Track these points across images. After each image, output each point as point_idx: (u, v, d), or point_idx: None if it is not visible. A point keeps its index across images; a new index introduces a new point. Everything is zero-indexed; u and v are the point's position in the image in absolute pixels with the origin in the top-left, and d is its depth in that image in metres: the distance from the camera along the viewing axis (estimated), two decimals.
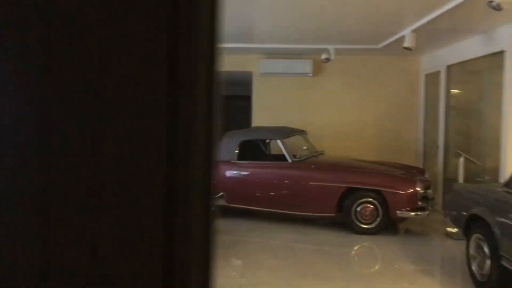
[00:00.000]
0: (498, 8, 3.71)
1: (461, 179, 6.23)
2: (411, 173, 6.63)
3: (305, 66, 8.42)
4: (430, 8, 5.13)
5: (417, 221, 6.97)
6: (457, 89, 7.63)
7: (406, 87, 8.75)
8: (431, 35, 6.58)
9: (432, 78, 8.23)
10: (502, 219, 3.83)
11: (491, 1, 3.72)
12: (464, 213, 4.50)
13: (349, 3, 5.16)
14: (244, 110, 9.99)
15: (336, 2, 5.16)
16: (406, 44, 6.01)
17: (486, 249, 4.07)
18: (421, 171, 7.02)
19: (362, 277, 4.72)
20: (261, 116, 8.79)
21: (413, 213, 6.01)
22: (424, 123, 8.60)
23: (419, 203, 6.05)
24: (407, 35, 5.96)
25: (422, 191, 6.04)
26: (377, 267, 5.11)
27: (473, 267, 4.31)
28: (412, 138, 8.76)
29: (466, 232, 4.51)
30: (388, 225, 6.32)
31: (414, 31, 5.89)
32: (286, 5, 5.32)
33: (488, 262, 4.03)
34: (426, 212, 6.03)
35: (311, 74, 8.54)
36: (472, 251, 4.36)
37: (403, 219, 6.23)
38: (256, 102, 8.89)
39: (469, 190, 4.75)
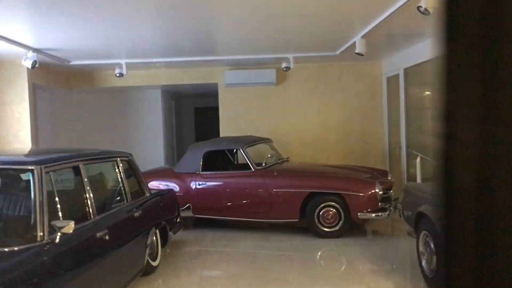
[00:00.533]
0: (426, 12, 3.87)
1: (419, 178, 6.38)
2: (372, 175, 6.75)
3: (269, 75, 8.56)
4: (375, 14, 5.30)
5: (384, 221, 7.10)
6: (416, 91, 7.83)
7: (369, 91, 8.93)
8: (386, 39, 6.77)
9: (393, 81, 8.43)
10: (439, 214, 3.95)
11: (420, 6, 3.88)
12: (414, 212, 4.63)
13: (302, 13, 5.29)
14: (216, 121, 10.07)
15: (288, 13, 5.29)
16: (357, 50, 6.17)
17: (432, 246, 4.19)
18: (384, 173, 7.15)
19: (323, 280, 4.79)
20: (229, 126, 8.90)
21: (373, 214, 6.12)
22: (388, 125, 8.78)
23: (380, 204, 6.16)
24: (357, 41, 6.12)
25: (381, 193, 6.16)
26: (337, 270, 5.19)
27: (423, 264, 4.42)
28: (377, 140, 8.93)
29: (416, 230, 4.63)
30: (356, 227, 6.44)
31: (364, 37, 6.06)
32: (244, 18, 5.46)
33: (434, 258, 4.15)
34: (387, 213, 6.15)
35: (275, 83, 8.67)
36: (421, 248, 4.48)
37: (365, 220, 6.34)
38: (223, 113, 8.99)
39: (417, 188, 4.88)
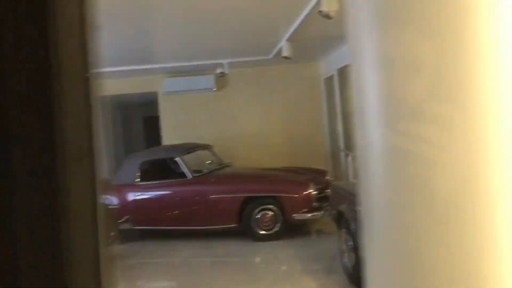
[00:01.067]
0: (328, 17, 3.96)
1: (351, 176, 6.51)
2: (309, 176, 6.84)
3: (208, 81, 8.56)
4: (293, 18, 5.38)
5: (326, 220, 7.20)
6: (351, 91, 8.00)
7: (308, 93, 9.06)
8: (314, 41, 6.89)
9: (329, 82, 8.59)
10: (356, 213, 4.05)
11: (321, 11, 3.97)
12: (336, 210, 4.72)
13: (229, 17, 5.31)
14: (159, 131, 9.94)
15: (214, 18, 5.31)
16: (284, 54, 6.25)
17: (350, 243, 4.28)
18: (323, 173, 7.25)
19: (251, 282, 4.81)
20: (171, 134, 8.83)
21: (309, 215, 6.20)
22: (328, 126, 8.93)
23: (314, 204, 6.25)
24: (283, 44, 6.20)
25: (315, 193, 6.24)
26: (267, 272, 5.22)
27: (344, 261, 4.51)
28: (318, 141, 9.06)
29: (338, 228, 4.73)
30: (299, 228, 6.50)
31: (289, 40, 6.15)
32: (178, 24, 5.44)
33: (353, 255, 4.24)
34: (321, 212, 6.23)
35: (215, 89, 8.68)
36: (342, 245, 4.57)
37: (301, 221, 6.41)
38: (165, 121, 8.92)
39: (339, 187, 4.98)
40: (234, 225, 6.41)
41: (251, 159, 8.86)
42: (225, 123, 8.95)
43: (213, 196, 6.46)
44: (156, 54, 7.50)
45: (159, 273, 5.45)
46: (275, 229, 6.31)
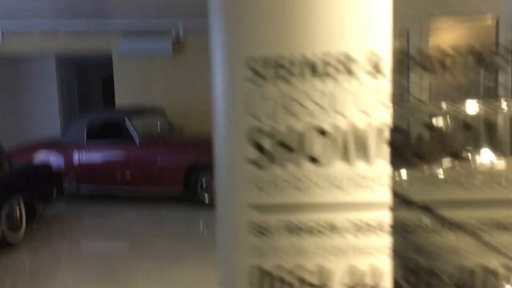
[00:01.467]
0: None
1: None
2: None
3: (164, 45, 8.37)
4: None
5: None
6: None
7: None
8: None
9: None
10: None
11: None
12: None
13: None
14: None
15: None
16: None
17: None
18: None
19: (193, 248, 4.87)
20: (125, 97, 8.66)
21: None
22: None
23: None
24: None
25: None
26: (201, 235, 5.30)
27: None
28: None
29: None
30: None
31: None
32: None
33: None
34: None
35: (171, 53, 8.51)
36: None
37: None
38: (119, 84, 8.73)
39: None
40: (180, 190, 6.41)
41: (206, 126, 8.80)
42: (181, 89, 8.83)
43: (159, 161, 6.43)
44: (112, 7, 7.24)
45: (101, 234, 5.44)
46: None
